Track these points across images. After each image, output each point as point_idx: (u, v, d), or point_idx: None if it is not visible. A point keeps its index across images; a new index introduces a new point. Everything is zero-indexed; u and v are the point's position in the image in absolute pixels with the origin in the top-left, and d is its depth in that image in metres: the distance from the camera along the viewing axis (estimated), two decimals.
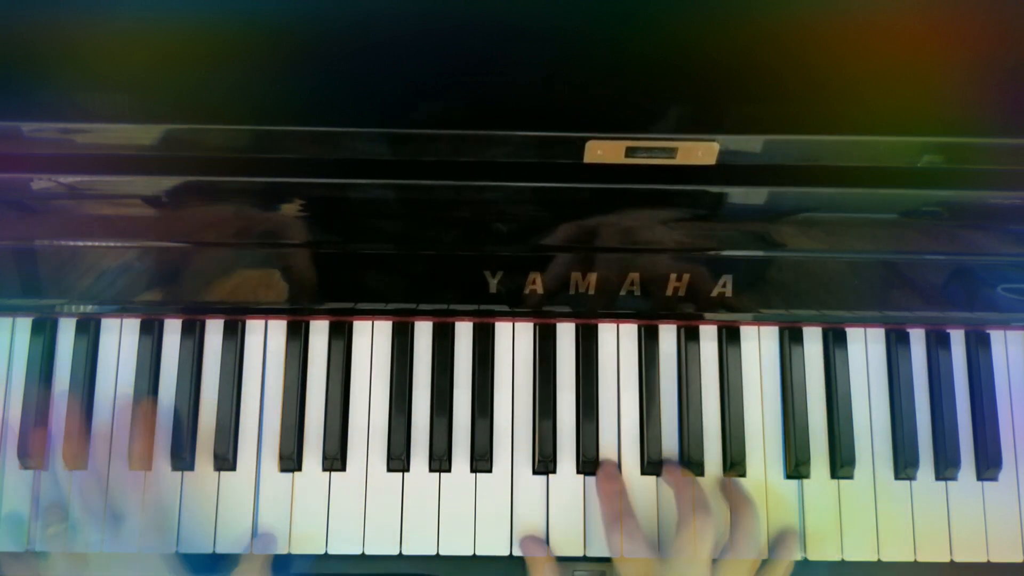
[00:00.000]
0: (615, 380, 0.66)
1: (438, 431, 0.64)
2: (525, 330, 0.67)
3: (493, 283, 0.62)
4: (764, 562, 0.62)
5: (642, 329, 0.67)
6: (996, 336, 0.67)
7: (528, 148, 0.54)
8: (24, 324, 0.66)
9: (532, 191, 0.58)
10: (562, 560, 0.63)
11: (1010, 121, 0.52)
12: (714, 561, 0.60)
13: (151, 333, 0.65)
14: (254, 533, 0.63)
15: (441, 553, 0.63)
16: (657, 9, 0.51)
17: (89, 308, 0.64)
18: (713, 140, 0.53)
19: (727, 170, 0.55)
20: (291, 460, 0.64)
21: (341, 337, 0.66)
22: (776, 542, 0.64)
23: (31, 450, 0.63)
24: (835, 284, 0.63)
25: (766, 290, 0.63)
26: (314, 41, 0.51)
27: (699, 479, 0.64)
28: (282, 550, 0.63)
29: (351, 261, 0.61)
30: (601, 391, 0.66)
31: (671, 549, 0.60)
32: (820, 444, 0.66)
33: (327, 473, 0.64)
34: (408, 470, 0.65)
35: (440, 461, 0.64)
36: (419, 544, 0.63)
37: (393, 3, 0.51)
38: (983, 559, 0.64)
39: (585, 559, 0.64)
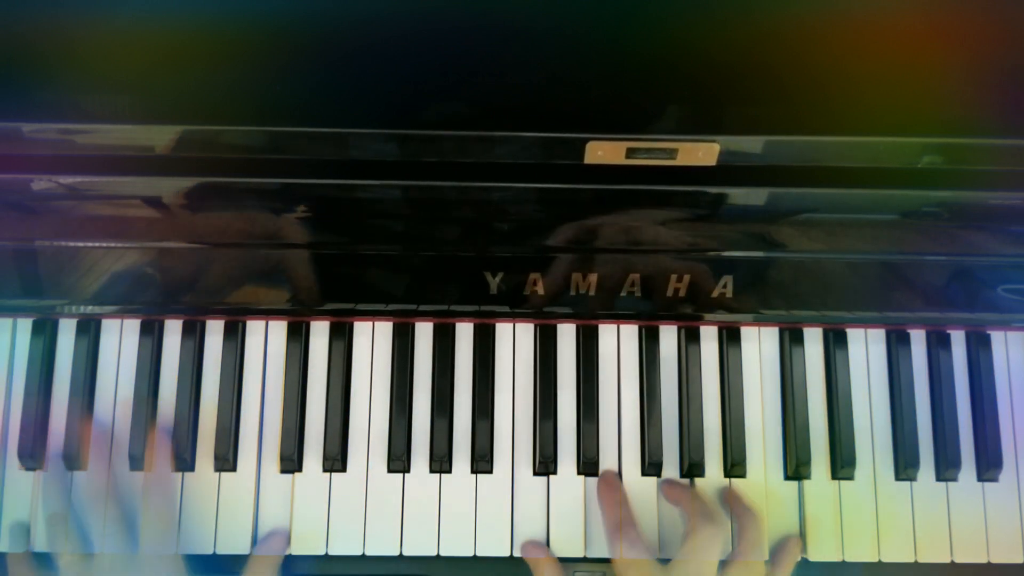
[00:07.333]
0: (615, 381, 0.66)
1: (439, 432, 0.64)
2: (526, 331, 0.67)
3: (494, 284, 0.62)
4: (767, 563, 0.62)
5: (642, 330, 0.67)
6: (997, 337, 0.67)
7: (529, 149, 0.54)
8: (25, 325, 0.66)
9: (533, 192, 0.58)
10: (563, 561, 0.63)
11: (1010, 121, 0.52)
12: (720, 563, 0.60)
13: (151, 334, 0.65)
14: (254, 534, 0.63)
15: (441, 554, 0.63)
16: (657, 10, 0.51)
17: (89, 309, 0.64)
18: (713, 141, 0.53)
19: (727, 171, 0.55)
20: (292, 461, 0.64)
21: (342, 338, 0.66)
22: (778, 545, 0.64)
23: (32, 451, 0.63)
24: (835, 285, 0.63)
25: (766, 291, 0.63)
26: (315, 42, 0.51)
27: (702, 487, 0.64)
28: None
29: (351, 262, 0.61)
30: (601, 392, 0.66)
31: (677, 554, 0.60)
32: (821, 445, 0.66)
33: (328, 474, 0.64)
34: (409, 471, 0.65)
35: (441, 462, 0.64)
36: (419, 545, 0.63)
37: (393, 5, 0.51)
38: (984, 560, 0.64)
39: (586, 560, 0.64)
